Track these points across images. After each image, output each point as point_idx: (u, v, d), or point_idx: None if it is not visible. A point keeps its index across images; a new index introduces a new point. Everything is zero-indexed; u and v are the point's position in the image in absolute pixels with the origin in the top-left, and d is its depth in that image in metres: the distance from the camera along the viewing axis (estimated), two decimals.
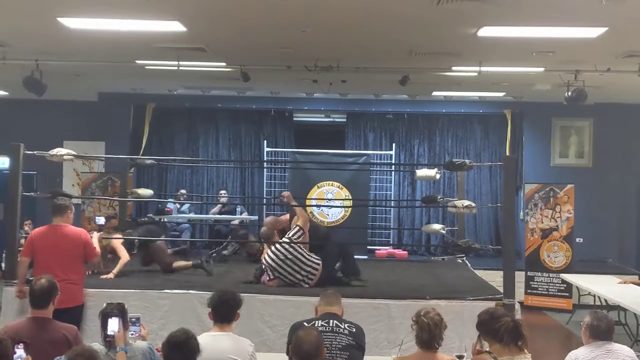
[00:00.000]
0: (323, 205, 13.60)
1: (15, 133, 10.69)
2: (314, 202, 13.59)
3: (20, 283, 7.22)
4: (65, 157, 8.55)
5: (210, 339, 4.77)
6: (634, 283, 10.30)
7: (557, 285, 12.22)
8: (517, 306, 7.45)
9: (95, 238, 7.39)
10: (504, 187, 8.32)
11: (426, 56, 9.19)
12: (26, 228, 11.35)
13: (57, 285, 5.17)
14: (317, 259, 8.20)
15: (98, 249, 7.25)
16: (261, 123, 15.24)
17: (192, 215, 14.09)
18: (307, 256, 8.17)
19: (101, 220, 9.64)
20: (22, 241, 8.25)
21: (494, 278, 9.24)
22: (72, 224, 7.24)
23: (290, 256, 8.14)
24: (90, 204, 12.82)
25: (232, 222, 12.97)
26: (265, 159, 14.68)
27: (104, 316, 4.76)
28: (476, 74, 10.00)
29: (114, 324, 4.68)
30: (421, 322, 4.61)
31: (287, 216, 9.10)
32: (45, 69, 9.90)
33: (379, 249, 13.65)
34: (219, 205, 13.59)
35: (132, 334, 5.09)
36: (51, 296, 5.06)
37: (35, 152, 8.19)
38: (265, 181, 14.57)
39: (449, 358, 4.74)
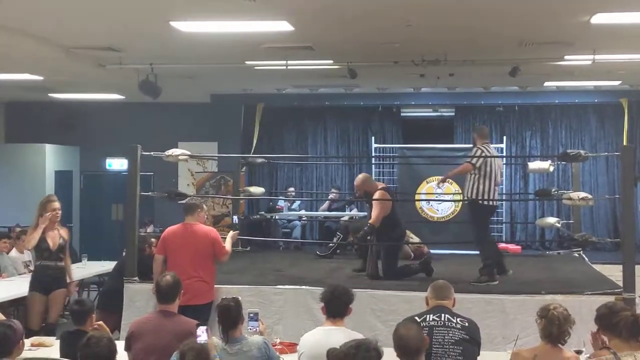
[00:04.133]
0: (432, 200, 13.49)
1: (132, 135, 11.04)
2: (423, 197, 13.51)
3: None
4: (180, 157, 8.79)
5: (323, 334, 4.82)
6: None
7: None
8: (638, 300, 7.20)
9: (228, 237, 7.55)
10: (622, 178, 8.04)
11: (537, 46, 8.98)
12: (148, 230, 11.78)
13: (181, 281, 5.41)
14: None
15: (229, 248, 7.39)
16: (369, 119, 15.29)
17: (302, 212, 14.27)
18: None
19: (234, 218, 9.85)
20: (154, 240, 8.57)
21: (613, 272, 8.91)
22: (203, 222, 7.44)
23: None
24: (204, 203, 13.15)
25: (342, 219, 13.03)
26: (373, 155, 14.68)
27: (221, 311, 4.89)
28: (590, 62, 9.70)
29: (201, 334, 4.79)
30: (551, 316, 4.54)
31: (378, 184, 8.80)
32: (160, 73, 10.22)
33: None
34: (328, 202, 13.69)
35: (250, 329, 5.22)
36: (177, 291, 5.32)
37: (151, 153, 8.46)
38: (373, 177, 14.55)
39: (572, 355, 4.65)
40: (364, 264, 8.62)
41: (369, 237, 8.36)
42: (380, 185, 8.79)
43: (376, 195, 8.37)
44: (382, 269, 8.32)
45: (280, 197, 14.40)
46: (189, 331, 4.93)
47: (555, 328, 4.50)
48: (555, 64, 10.16)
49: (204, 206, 7.50)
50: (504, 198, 14.15)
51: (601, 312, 4.65)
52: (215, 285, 7.41)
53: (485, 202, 8.27)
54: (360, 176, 8.86)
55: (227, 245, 7.38)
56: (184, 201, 7.77)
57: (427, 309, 5.13)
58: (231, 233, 7.76)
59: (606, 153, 13.44)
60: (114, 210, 15.17)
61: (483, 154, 8.24)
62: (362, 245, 8.94)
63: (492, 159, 8.34)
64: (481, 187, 8.18)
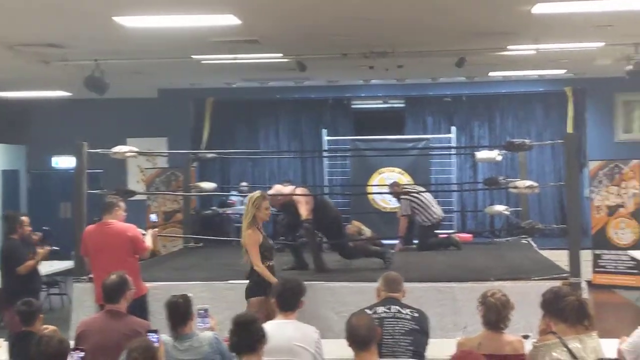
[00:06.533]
0: (385, 193, 13.56)
1: (79, 133, 10.89)
2: (375, 189, 13.59)
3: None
4: (127, 154, 8.75)
5: (275, 327, 4.83)
6: None
7: (625, 262, 12.01)
8: (584, 285, 7.36)
9: (148, 235, 7.53)
10: (566, 165, 8.21)
11: (481, 36, 9.07)
12: None
13: (128, 280, 5.34)
14: None
15: (149, 244, 7.39)
16: (320, 112, 15.31)
17: None
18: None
19: (153, 217, 9.83)
20: None
21: (561, 258, 9.09)
22: (124, 220, 7.37)
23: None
24: (155, 199, 13.08)
25: None
26: (325, 148, 14.72)
27: (169, 308, 4.87)
28: (534, 52, 9.84)
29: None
30: (488, 303, 4.62)
31: (290, 188, 8.88)
32: (105, 68, 10.08)
33: (442, 233, 13.58)
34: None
35: (200, 325, 5.19)
36: (121, 291, 5.24)
37: (98, 150, 8.38)
38: (326, 170, 14.61)
39: (515, 339, 4.72)
40: (298, 261, 8.62)
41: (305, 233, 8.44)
42: (290, 188, 8.91)
43: (298, 190, 8.59)
44: (340, 252, 8.58)
45: (232, 192, 14.35)
46: (138, 331, 4.89)
47: (493, 314, 4.58)
48: (499, 54, 10.28)
49: (122, 204, 7.42)
50: (454, 188, 14.33)
51: (547, 297, 4.72)
52: (165, 282, 7.38)
53: (428, 224, 10.59)
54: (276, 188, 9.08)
55: (148, 241, 7.40)
56: (104, 199, 7.68)
57: (378, 300, 5.19)
58: (150, 231, 7.76)
59: (550, 141, 13.63)
60: (62, 209, 14.99)
61: (407, 200, 10.71)
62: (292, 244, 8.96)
63: (415, 195, 10.71)
64: (421, 217, 10.60)
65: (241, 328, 4.27)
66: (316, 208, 8.35)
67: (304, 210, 8.21)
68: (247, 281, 7.60)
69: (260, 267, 6.73)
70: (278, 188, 8.91)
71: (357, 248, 8.69)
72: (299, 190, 8.59)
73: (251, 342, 4.24)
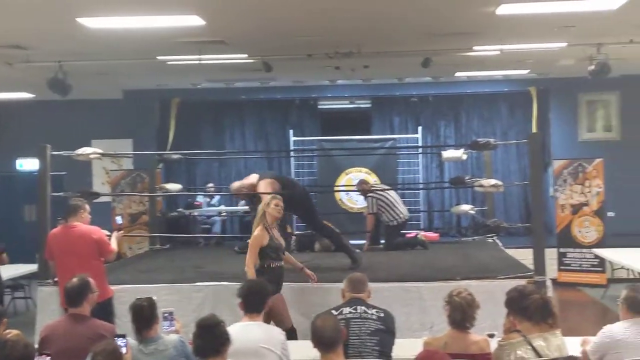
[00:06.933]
0: (352, 191, 13.57)
1: (43, 134, 10.79)
2: (342, 189, 13.60)
3: None
4: (91, 155, 8.66)
5: (241, 329, 4.81)
6: None
7: (590, 260, 12.14)
8: (549, 283, 7.42)
9: (114, 237, 7.47)
10: (530, 164, 8.26)
11: (446, 37, 9.13)
12: None
13: (91, 283, 5.28)
14: None
15: (115, 247, 7.31)
16: (286, 113, 15.30)
17: (222, 207, 14.17)
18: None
19: (119, 219, 9.77)
20: None
21: (526, 256, 9.16)
22: (89, 223, 7.29)
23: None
24: (120, 201, 12.97)
25: None
26: (292, 149, 14.70)
27: (134, 311, 4.82)
28: (498, 52, 9.93)
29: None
30: (454, 302, 4.63)
31: (254, 178, 8.74)
32: (69, 69, 9.99)
33: (409, 232, 13.63)
34: None
35: (165, 328, 5.15)
36: (84, 294, 5.18)
37: (61, 152, 8.29)
38: (293, 170, 14.56)
39: (481, 338, 4.74)
40: None
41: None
42: (253, 177, 8.76)
43: (260, 185, 8.40)
44: (314, 227, 8.87)
45: (198, 193, 14.28)
46: (103, 335, 4.84)
47: (458, 314, 4.59)
48: (465, 54, 10.35)
49: (87, 206, 7.35)
50: (420, 187, 14.39)
51: (511, 296, 4.74)
52: (131, 285, 7.31)
53: (394, 224, 10.57)
54: (235, 185, 9.12)
55: (113, 244, 7.31)
56: (69, 202, 7.60)
57: (343, 301, 5.18)
58: (115, 233, 7.70)
59: (515, 141, 13.74)
60: (27, 212, 14.80)
61: (373, 199, 10.58)
62: None
63: (381, 194, 10.57)
64: (387, 216, 10.54)
65: (205, 331, 4.25)
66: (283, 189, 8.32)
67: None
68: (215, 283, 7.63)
69: (249, 268, 6.62)
70: (236, 186, 8.94)
71: (331, 231, 8.74)
72: (262, 184, 8.48)
73: (215, 344, 4.22)
